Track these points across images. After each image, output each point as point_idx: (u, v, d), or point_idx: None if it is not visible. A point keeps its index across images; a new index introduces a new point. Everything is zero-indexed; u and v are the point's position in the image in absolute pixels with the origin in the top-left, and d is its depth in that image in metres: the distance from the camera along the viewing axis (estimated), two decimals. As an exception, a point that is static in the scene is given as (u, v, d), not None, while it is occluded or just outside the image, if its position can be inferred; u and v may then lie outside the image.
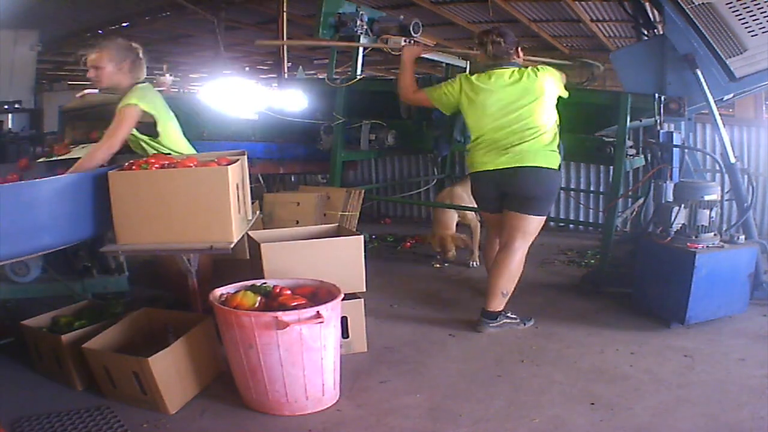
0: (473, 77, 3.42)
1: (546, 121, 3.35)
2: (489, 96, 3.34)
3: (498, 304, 3.44)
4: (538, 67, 3.40)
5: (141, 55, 3.19)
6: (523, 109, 3.30)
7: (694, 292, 3.34)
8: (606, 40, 9.90)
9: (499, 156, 3.35)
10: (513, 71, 3.34)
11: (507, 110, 3.31)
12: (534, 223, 3.41)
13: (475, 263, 4.85)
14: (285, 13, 8.58)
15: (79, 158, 3.43)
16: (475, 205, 4.22)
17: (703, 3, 3.88)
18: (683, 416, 2.47)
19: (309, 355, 2.45)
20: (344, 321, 2.97)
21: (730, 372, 2.88)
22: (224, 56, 9.82)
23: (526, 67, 3.38)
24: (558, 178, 3.46)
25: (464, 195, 4.81)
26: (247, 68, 14.24)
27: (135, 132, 3.12)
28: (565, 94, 3.48)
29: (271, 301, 2.58)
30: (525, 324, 3.51)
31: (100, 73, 3.11)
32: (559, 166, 3.43)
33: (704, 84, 3.87)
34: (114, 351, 2.64)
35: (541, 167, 3.32)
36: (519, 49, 3.46)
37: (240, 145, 4.46)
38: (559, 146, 3.43)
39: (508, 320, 3.49)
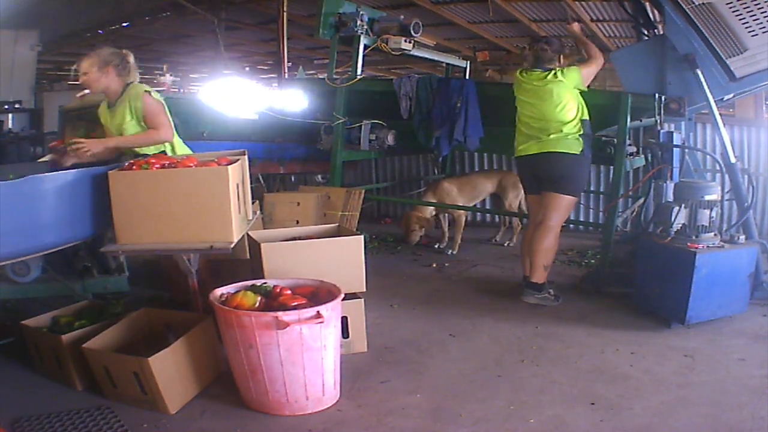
0: (520, 73, 4.02)
1: (569, 114, 3.85)
2: (525, 91, 3.95)
3: (540, 276, 3.90)
4: (564, 69, 3.88)
5: (129, 59, 3.26)
6: (550, 105, 3.83)
7: (695, 292, 3.34)
8: (606, 40, 9.88)
9: (532, 143, 3.92)
10: (545, 74, 3.86)
11: (538, 104, 3.87)
12: (564, 202, 3.90)
13: (452, 252, 5.31)
14: (285, 13, 8.58)
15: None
16: (463, 201, 5.41)
17: (703, 3, 3.88)
18: (683, 416, 2.47)
19: (309, 355, 2.45)
20: (344, 321, 2.97)
21: (730, 372, 2.88)
22: (224, 56, 9.81)
23: (557, 71, 3.86)
24: (581, 160, 3.89)
25: (453, 189, 5.38)
26: (247, 68, 14.23)
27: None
28: (584, 88, 3.93)
29: (271, 301, 2.58)
30: (558, 301, 3.91)
31: (87, 78, 3.22)
32: (582, 151, 3.86)
33: (704, 84, 3.87)
34: (114, 351, 2.64)
35: (563, 152, 3.82)
36: (561, 56, 4.02)
37: (240, 145, 4.46)
38: (583, 135, 3.88)
39: (548, 295, 3.92)
